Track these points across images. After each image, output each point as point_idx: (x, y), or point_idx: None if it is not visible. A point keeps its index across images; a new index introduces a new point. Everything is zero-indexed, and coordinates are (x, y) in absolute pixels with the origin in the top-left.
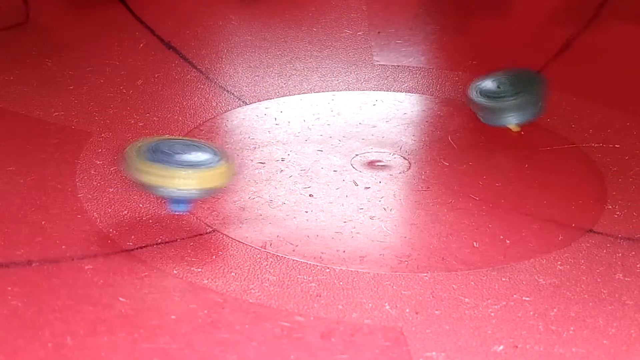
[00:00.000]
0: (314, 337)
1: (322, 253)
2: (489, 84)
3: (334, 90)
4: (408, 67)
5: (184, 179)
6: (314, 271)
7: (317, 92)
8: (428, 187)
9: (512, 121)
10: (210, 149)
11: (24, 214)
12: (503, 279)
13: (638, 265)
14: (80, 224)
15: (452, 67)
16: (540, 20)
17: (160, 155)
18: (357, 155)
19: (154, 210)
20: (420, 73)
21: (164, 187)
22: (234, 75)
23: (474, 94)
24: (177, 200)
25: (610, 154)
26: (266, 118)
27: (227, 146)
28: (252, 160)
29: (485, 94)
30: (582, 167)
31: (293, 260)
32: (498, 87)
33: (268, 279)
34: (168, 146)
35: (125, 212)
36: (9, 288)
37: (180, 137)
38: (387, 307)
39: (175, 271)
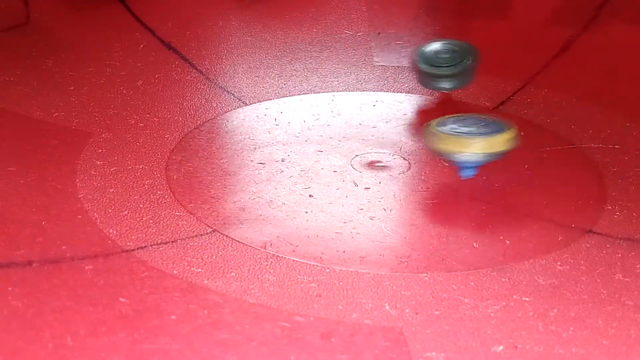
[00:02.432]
0: (314, 337)
1: (322, 253)
2: (430, 52)
3: (334, 91)
4: (408, 67)
5: (475, 145)
6: (314, 271)
7: (317, 92)
8: (428, 188)
9: (446, 87)
10: (495, 123)
11: (24, 215)
12: (503, 280)
13: (638, 266)
14: (80, 225)
15: None
16: (540, 20)
17: (455, 127)
18: (357, 155)
19: (154, 210)
20: None
21: (460, 152)
22: (234, 75)
23: (418, 60)
24: (468, 165)
25: (610, 154)
26: (266, 119)
27: (227, 147)
28: (252, 161)
29: (427, 61)
30: (582, 167)
31: (293, 260)
32: (438, 55)
33: (268, 279)
34: (460, 121)
35: (125, 212)
36: (9, 288)
37: (469, 115)
38: (387, 307)
39: (175, 271)
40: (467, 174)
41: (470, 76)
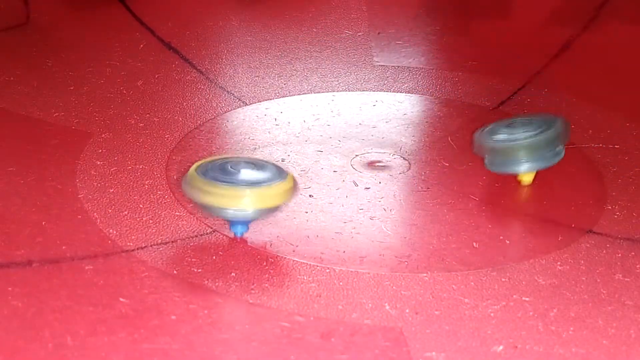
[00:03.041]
0: (314, 337)
1: (322, 253)
2: (501, 126)
3: (334, 91)
4: (408, 67)
5: (245, 200)
6: (314, 271)
7: (317, 92)
8: (428, 188)
9: (522, 169)
10: (271, 167)
11: (24, 215)
12: (503, 280)
13: (638, 266)
14: (80, 225)
15: (452, 68)
16: (540, 20)
17: (219, 174)
18: (357, 155)
19: (154, 210)
20: (420, 74)
21: (225, 208)
22: (234, 75)
23: (481, 135)
24: (237, 222)
25: (610, 154)
26: (266, 118)
27: (227, 147)
28: None
29: (496, 134)
30: (582, 167)
31: (293, 260)
32: (511, 127)
33: (268, 279)
34: (227, 164)
35: (125, 212)
36: (9, 288)
37: (238, 157)
38: (387, 307)
39: (175, 271)
40: (238, 231)
41: (556, 151)
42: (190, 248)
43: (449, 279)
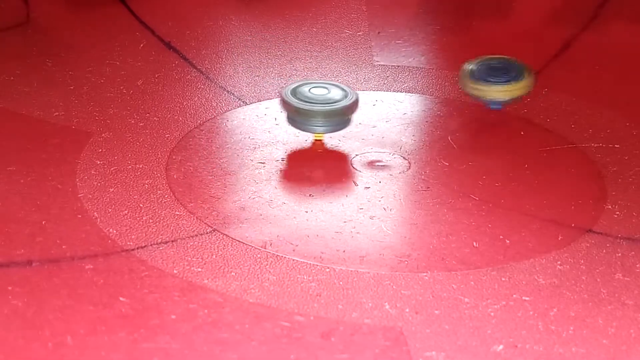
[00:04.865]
0: (314, 336)
1: (322, 253)
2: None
3: None
4: (408, 67)
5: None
6: (314, 271)
7: None
8: (428, 187)
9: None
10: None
11: (24, 214)
12: (503, 279)
13: (637, 265)
14: (80, 224)
15: (452, 67)
16: (540, 20)
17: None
18: (357, 155)
19: (154, 209)
20: (420, 73)
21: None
22: (234, 75)
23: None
24: (495, 102)
25: (610, 154)
26: (266, 118)
27: (227, 146)
28: (252, 160)
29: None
30: (582, 167)
31: (293, 260)
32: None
33: (268, 279)
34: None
35: (125, 212)
36: (10, 288)
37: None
38: (387, 306)
39: (175, 271)
40: (496, 107)
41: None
42: (190, 247)
43: (449, 279)
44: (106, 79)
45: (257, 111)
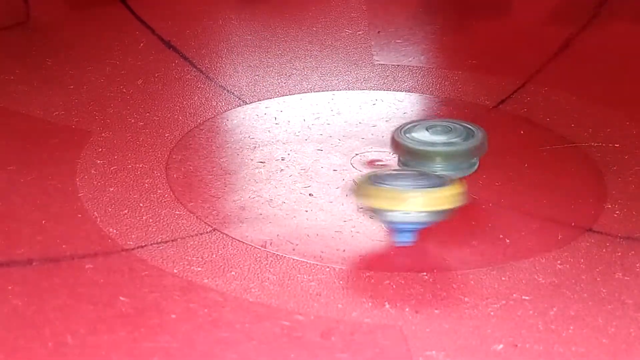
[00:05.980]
0: (314, 336)
1: (322, 252)
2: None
3: (333, 90)
4: (408, 66)
5: (412, 200)
6: (314, 270)
7: (317, 91)
8: None
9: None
10: (437, 178)
11: (24, 213)
12: (503, 278)
13: (637, 265)
14: (80, 223)
15: (452, 67)
16: (540, 20)
17: (387, 179)
18: (357, 154)
19: (154, 209)
20: (420, 72)
21: (394, 210)
22: (234, 74)
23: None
24: (404, 229)
25: (610, 154)
26: (266, 117)
27: (227, 145)
28: (252, 160)
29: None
30: (582, 166)
31: (293, 259)
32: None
33: (268, 278)
34: (395, 176)
35: (125, 211)
36: (10, 287)
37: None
38: (387, 306)
39: (175, 270)
40: (403, 239)
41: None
42: (190, 247)
43: (449, 278)
44: (106, 78)
45: (257, 110)
